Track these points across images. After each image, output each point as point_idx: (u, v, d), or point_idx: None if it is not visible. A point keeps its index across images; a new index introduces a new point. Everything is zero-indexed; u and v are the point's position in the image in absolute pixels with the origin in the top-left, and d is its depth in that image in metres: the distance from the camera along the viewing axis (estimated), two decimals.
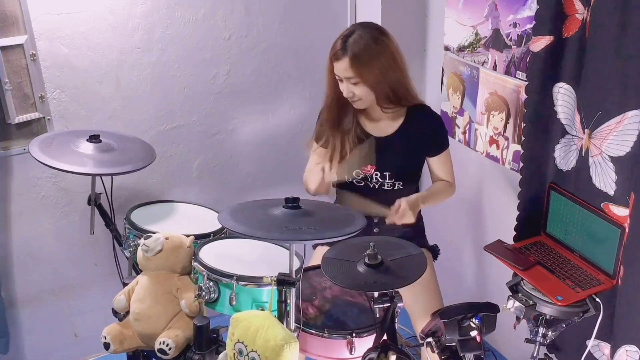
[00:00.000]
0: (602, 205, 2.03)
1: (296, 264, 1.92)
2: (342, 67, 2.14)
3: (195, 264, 2.12)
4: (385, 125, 2.33)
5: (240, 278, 2.02)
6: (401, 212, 2.15)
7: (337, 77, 2.20)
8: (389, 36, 2.19)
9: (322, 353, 1.99)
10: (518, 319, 2.02)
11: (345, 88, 2.18)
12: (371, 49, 2.13)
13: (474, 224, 2.98)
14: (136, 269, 2.34)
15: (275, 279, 1.84)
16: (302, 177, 2.50)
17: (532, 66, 2.21)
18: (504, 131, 2.60)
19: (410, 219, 2.16)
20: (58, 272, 2.82)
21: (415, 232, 2.42)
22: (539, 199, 2.29)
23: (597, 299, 1.98)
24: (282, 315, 1.87)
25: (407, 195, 2.39)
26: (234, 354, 1.84)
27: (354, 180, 2.35)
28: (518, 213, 2.39)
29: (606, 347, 2.10)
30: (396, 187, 2.34)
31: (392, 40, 2.19)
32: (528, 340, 2.11)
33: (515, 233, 2.41)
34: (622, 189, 1.95)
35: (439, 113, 2.66)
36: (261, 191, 3.11)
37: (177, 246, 2.15)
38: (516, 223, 2.40)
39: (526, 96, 2.26)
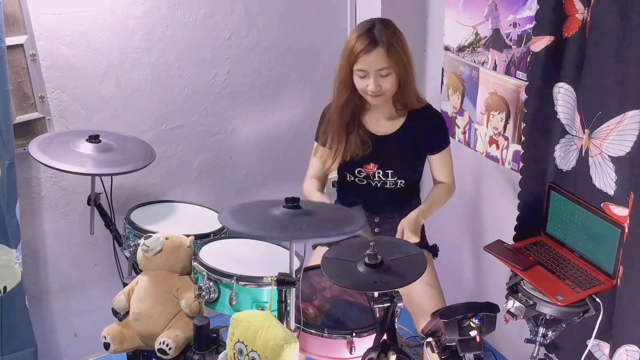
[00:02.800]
0: (602, 205, 2.03)
1: (296, 264, 1.92)
2: (375, 59, 2.14)
3: (195, 264, 2.12)
4: (387, 124, 2.33)
5: (240, 278, 2.03)
6: (406, 238, 2.15)
7: (361, 74, 2.18)
8: None
9: (322, 353, 1.99)
10: (511, 313, 2.02)
11: (372, 82, 2.16)
12: (397, 37, 2.17)
13: (473, 224, 2.98)
14: (136, 269, 2.33)
15: (275, 279, 1.84)
16: (303, 178, 2.51)
17: (533, 66, 2.21)
18: (504, 131, 2.60)
19: (415, 239, 2.16)
20: (58, 272, 2.82)
21: None
22: (539, 199, 2.29)
23: (597, 299, 1.98)
24: (282, 315, 1.87)
25: (409, 194, 2.40)
26: (234, 353, 1.84)
27: (356, 179, 2.36)
28: (518, 213, 2.39)
29: (606, 347, 2.10)
30: (398, 186, 2.34)
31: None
32: (528, 340, 2.11)
33: (515, 233, 2.41)
34: (622, 189, 1.95)
35: None
36: (261, 191, 3.11)
37: (177, 246, 2.15)
38: (516, 223, 2.40)
39: (526, 96, 2.26)
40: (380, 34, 2.14)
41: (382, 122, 2.34)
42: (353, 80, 2.21)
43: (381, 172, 2.32)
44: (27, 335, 2.62)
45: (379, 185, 2.35)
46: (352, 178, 2.36)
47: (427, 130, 2.33)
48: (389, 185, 2.34)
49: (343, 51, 2.22)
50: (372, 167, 2.33)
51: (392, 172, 2.32)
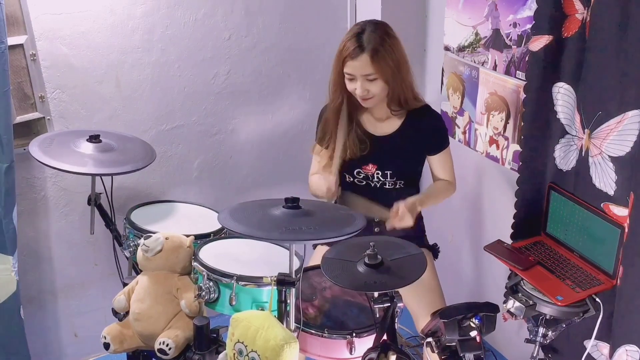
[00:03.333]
0: (602, 205, 2.03)
1: (296, 264, 1.92)
2: (361, 65, 2.14)
3: (195, 264, 2.12)
4: (386, 124, 2.33)
5: (240, 278, 2.03)
6: (400, 216, 2.15)
7: (348, 77, 2.19)
8: (395, 33, 2.21)
9: (322, 353, 1.99)
10: (510, 313, 2.02)
11: (359, 86, 2.17)
12: (386, 43, 2.15)
13: (473, 224, 2.98)
14: (136, 269, 2.34)
15: (275, 279, 1.84)
16: (303, 178, 2.51)
17: (531, 66, 2.21)
18: (504, 131, 2.60)
19: (409, 222, 2.16)
20: (58, 272, 2.82)
21: (415, 231, 2.41)
22: (539, 198, 2.29)
23: (597, 299, 1.98)
24: (282, 315, 1.87)
25: (408, 194, 2.40)
26: (234, 354, 1.84)
27: (356, 180, 2.36)
28: (515, 211, 2.39)
29: (604, 347, 2.10)
30: (397, 186, 2.34)
31: (398, 37, 2.21)
32: (528, 340, 2.11)
33: (512, 231, 2.41)
34: (622, 189, 1.95)
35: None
36: (261, 191, 3.11)
37: (177, 246, 2.15)
38: (513, 221, 2.40)
39: (525, 95, 2.26)
40: (368, 39, 2.13)
41: (380, 123, 2.34)
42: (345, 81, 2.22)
43: (380, 172, 2.32)
44: (20, 348, 2.56)
45: (378, 185, 2.35)
46: (351, 179, 2.36)
47: (426, 132, 2.32)
48: (388, 185, 2.34)
49: (336, 52, 2.22)
50: (370, 168, 2.33)
51: (391, 173, 2.32)
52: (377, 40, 2.13)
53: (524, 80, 2.36)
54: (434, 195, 2.36)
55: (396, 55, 2.17)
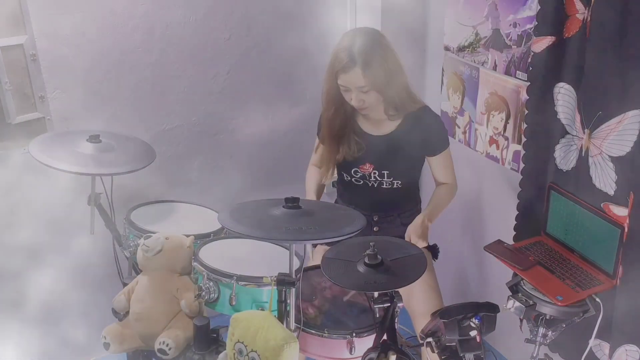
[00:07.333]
0: (602, 205, 2.03)
1: (296, 264, 1.92)
2: (353, 78, 2.13)
3: (195, 264, 2.12)
4: (383, 125, 2.33)
5: (240, 278, 2.03)
6: (414, 243, 2.15)
7: (343, 89, 2.19)
8: (387, 39, 2.20)
9: (322, 353, 1.99)
10: (521, 320, 2.02)
11: (354, 97, 2.17)
12: (377, 53, 2.14)
13: (474, 224, 2.98)
14: (136, 269, 2.33)
15: (275, 279, 1.84)
16: (303, 178, 2.51)
17: (534, 67, 2.21)
18: (504, 131, 2.60)
19: (423, 244, 2.17)
20: (58, 272, 2.82)
21: None
22: (539, 199, 2.29)
23: (597, 299, 1.98)
24: (282, 315, 1.87)
25: (406, 194, 2.40)
26: (234, 354, 1.84)
27: (353, 179, 2.36)
28: (517, 213, 2.39)
29: (607, 347, 2.11)
30: (395, 186, 2.34)
31: (390, 43, 2.20)
32: (528, 340, 2.11)
33: (515, 233, 2.41)
34: (622, 189, 1.96)
35: (438, 113, 2.66)
36: (261, 191, 3.09)
37: (177, 246, 2.15)
38: (515, 223, 2.40)
39: (527, 97, 2.26)
40: (359, 52, 2.11)
41: (378, 123, 2.34)
42: (339, 90, 2.22)
43: (377, 172, 2.32)
44: None
45: (375, 185, 2.35)
46: (349, 178, 2.36)
47: (424, 133, 2.32)
48: (386, 185, 2.34)
49: (328, 63, 2.21)
50: (367, 167, 2.33)
51: (387, 173, 2.32)
52: (369, 53, 2.12)
53: (524, 80, 2.36)
54: (439, 205, 2.36)
55: (389, 65, 2.16)
